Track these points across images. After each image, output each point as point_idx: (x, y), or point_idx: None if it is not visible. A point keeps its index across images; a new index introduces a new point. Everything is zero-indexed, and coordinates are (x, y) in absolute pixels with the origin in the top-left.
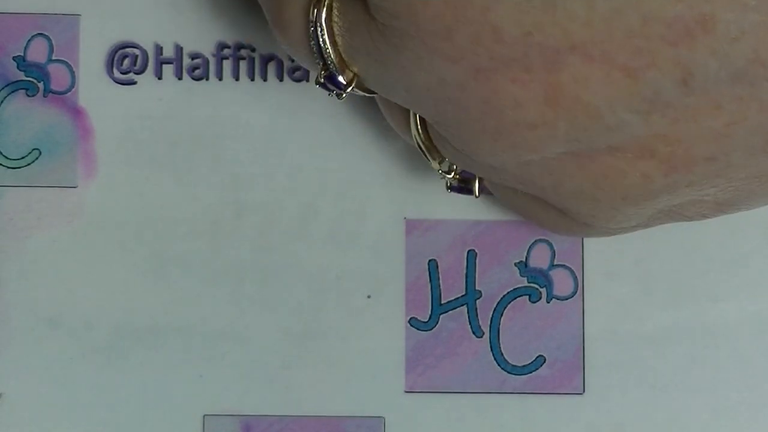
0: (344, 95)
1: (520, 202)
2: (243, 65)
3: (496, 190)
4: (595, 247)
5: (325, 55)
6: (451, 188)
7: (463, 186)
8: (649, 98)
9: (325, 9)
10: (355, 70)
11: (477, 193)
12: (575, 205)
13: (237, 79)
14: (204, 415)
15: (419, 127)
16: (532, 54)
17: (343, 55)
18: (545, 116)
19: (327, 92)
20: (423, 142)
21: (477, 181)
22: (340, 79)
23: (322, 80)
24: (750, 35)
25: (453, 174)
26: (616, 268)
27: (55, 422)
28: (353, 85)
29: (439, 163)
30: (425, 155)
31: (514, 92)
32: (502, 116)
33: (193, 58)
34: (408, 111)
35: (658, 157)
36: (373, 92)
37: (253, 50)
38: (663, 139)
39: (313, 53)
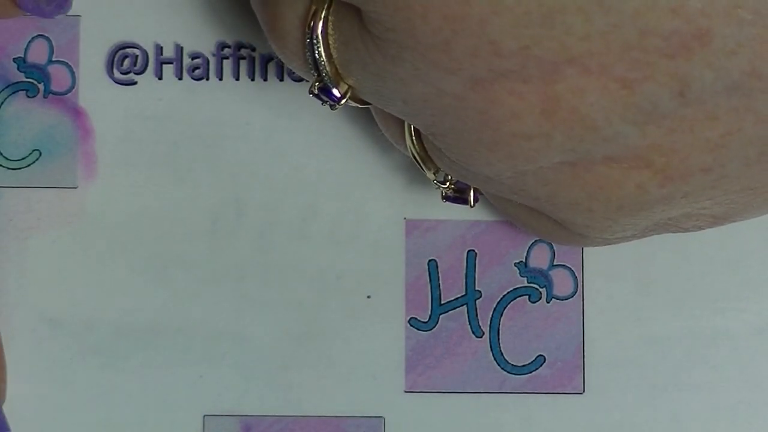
0: (338, 106)
1: (515, 212)
2: (243, 65)
3: (491, 199)
4: (595, 248)
5: (320, 67)
6: (446, 198)
7: (458, 196)
8: (646, 109)
9: (321, 22)
10: (350, 82)
11: (472, 203)
12: (570, 216)
13: (237, 79)
14: (204, 415)
15: (414, 137)
16: (530, 66)
17: (339, 68)
18: (542, 127)
19: (321, 102)
20: (418, 153)
21: (472, 191)
22: (335, 91)
23: (316, 91)
24: (746, 48)
25: (448, 184)
26: (616, 268)
27: (55, 422)
28: (347, 97)
29: (434, 174)
30: (420, 166)
31: (512, 103)
32: (499, 127)
33: (193, 58)
34: (403, 122)
35: (654, 168)
36: (368, 103)
37: (253, 50)
38: (659, 150)
39: (308, 64)
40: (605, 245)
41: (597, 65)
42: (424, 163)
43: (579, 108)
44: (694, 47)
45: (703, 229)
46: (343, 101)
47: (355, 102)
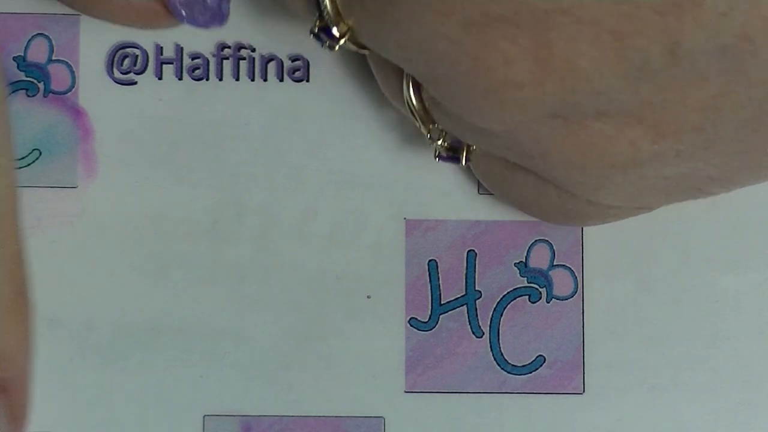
0: (336, 48)
1: (516, 192)
2: (243, 65)
3: (488, 175)
4: (595, 247)
5: (322, 6)
6: (439, 157)
7: (451, 155)
8: (637, 64)
9: None
10: (350, 23)
11: (464, 161)
12: (564, 173)
13: (237, 79)
14: (204, 415)
15: (411, 91)
16: (522, 12)
17: (339, 8)
18: (534, 75)
19: (320, 44)
20: (415, 107)
21: (465, 150)
22: (334, 30)
23: (316, 31)
24: (738, 11)
25: (441, 140)
26: (616, 268)
27: (55, 422)
28: (346, 37)
29: (430, 129)
30: (416, 120)
31: (505, 48)
32: (491, 73)
33: (193, 58)
34: (401, 76)
35: (646, 124)
36: (365, 48)
37: (253, 50)
38: (651, 107)
39: (310, 4)
40: (605, 219)
41: (589, 16)
42: (421, 119)
43: (571, 57)
44: (686, 6)
45: (705, 192)
46: (342, 41)
47: (354, 45)
